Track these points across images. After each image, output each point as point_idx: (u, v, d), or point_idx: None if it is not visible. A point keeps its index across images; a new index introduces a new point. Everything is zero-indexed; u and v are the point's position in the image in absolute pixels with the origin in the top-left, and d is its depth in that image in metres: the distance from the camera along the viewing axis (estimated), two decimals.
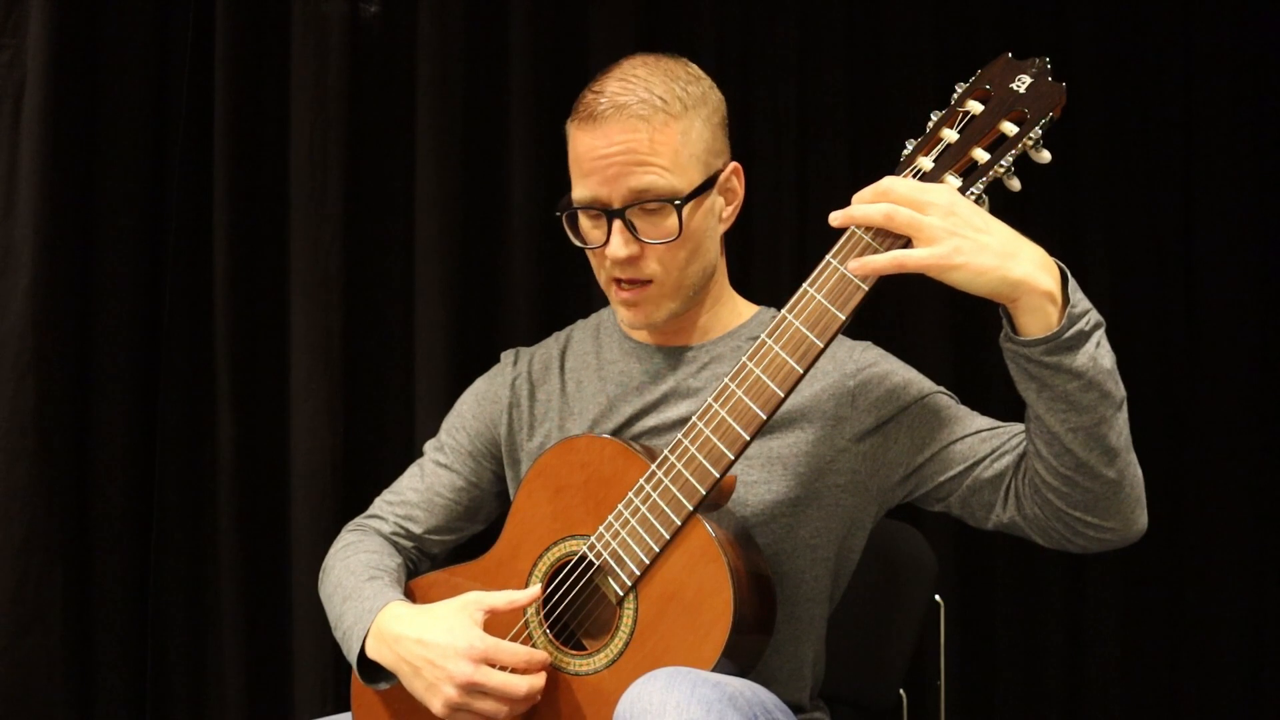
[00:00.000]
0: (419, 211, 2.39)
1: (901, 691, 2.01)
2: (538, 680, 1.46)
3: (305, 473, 2.36)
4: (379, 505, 1.80)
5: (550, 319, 2.16)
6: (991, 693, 2.56)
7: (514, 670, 1.45)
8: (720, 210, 1.63)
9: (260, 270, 2.40)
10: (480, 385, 1.80)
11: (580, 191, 1.57)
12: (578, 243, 1.64)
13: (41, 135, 2.27)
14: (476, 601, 1.49)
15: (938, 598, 2.05)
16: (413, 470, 1.80)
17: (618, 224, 1.54)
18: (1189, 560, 2.56)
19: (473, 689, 1.44)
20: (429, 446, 1.81)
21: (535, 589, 1.52)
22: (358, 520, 1.80)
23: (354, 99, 2.40)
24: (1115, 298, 2.52)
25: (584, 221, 1.61)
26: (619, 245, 1.54)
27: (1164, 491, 2.53)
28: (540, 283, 2.41)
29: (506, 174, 2.43)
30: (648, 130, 1.53)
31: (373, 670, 1.57)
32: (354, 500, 2.02)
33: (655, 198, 1.53)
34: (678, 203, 1.54)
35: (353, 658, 1.57)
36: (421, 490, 1.76)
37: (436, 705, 1.46)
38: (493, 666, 1.44)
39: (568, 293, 2.42)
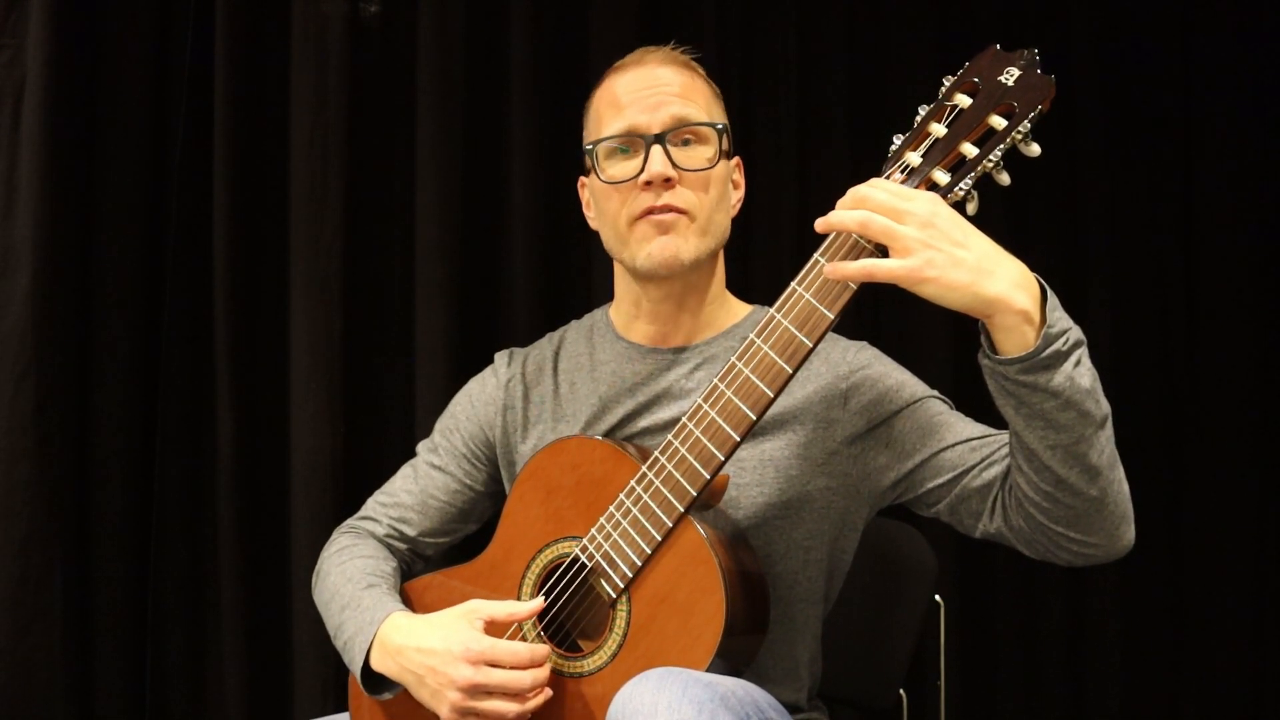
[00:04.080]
0: (419, 211, 2.39)
1: (901, 691, 2.01)
2: (541, 674, 1.45)
3: (305, 473, 2.36)
4: (372, 506, 1.79)
5: (550, 320, 2.15)
6: (991, 693, 2.55)
7: (515, 668, 1.45)
8: (729, 184, 1.66)
9: (260, 270, 2.41)
10: (474, 386, 1.79)
11: (614, 125, 1.60)
12: (594, 194, 1.65)
13: (41, 135, 2.27)
14: (476, 610, 1.49)
15: (938, 598, 2.05)
16: (406, 471, 1.80)
17: (656, 148, 1.55)
18: (1189, 560, 2.55)
19: (476, 691, 1.43)
20: (422, 447, 1.80)
21: (537, 602, 1.51)
22: (351, 521, 1.80)
23: (354, 99, 2.40)
24: (1115, 298, 2.52)
25: (610, 164, 1.61)
26: (658, 163, 1.55)
27: (1164, 491, 2.53)
28: (540, 283, 2.41)
29: (506, 174, 2.43)
30: (688, 75, 1.62)
31: (376, 680, 1.57)
32: (354, 500, 2.01)
33: (695, 123, 1.58)
34: (720, 126, 1.60)
35: (356, 669, 1.57)
36: (415, 492, 1.75)
37: (444, 711, 1.46)
38: (494, 667, 1.44)
39: (568, 293, 2.42)
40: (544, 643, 1.52)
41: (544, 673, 1.46)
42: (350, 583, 1.65)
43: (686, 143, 1.59)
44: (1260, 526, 2.56)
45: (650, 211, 1.56)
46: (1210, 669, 2.56)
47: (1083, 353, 1.33)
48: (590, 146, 1.63)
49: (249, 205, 2.39)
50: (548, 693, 1.46)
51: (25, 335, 2.25)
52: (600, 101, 1.65)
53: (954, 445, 1.51)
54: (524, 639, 1.53)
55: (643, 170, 1.56)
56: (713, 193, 1.59)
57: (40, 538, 2.26)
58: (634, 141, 1.58)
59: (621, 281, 1.70)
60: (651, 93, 1.58)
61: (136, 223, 2.39)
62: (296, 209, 2.38)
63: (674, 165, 1.55)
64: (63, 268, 2.29)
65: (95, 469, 2.35)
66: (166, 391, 2.40)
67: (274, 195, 2.41)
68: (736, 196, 1.68)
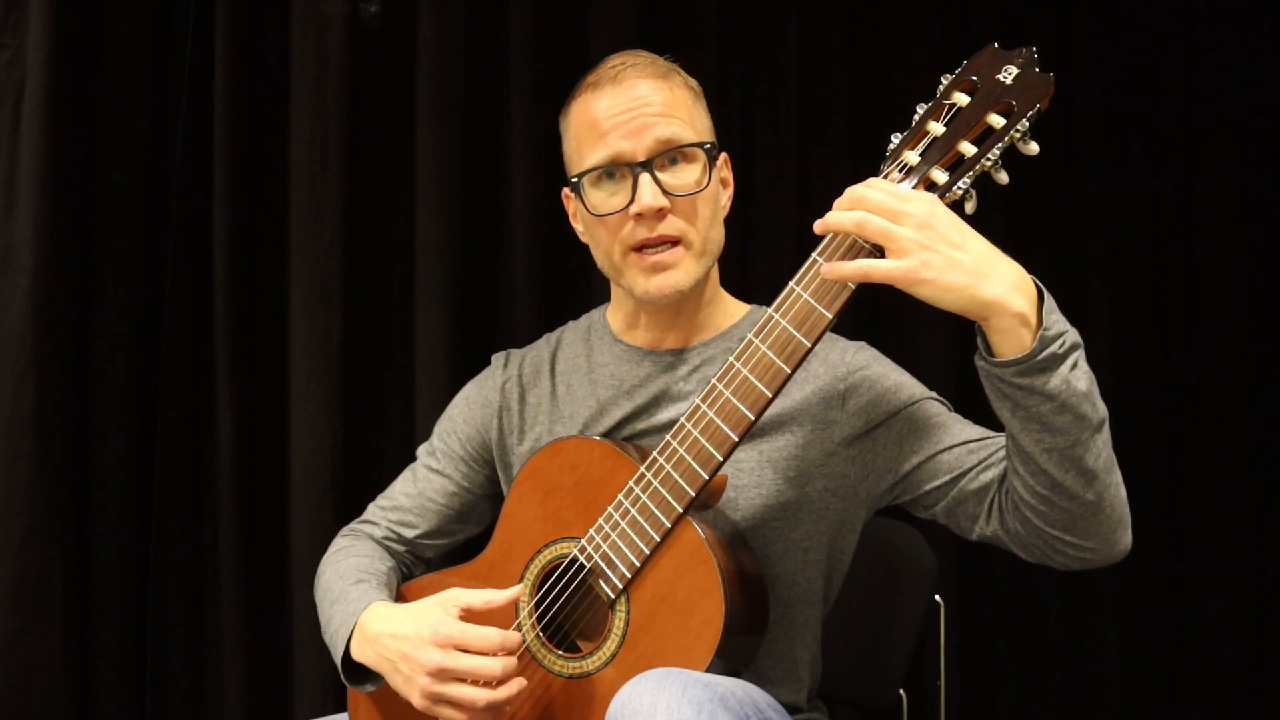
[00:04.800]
0: (419, 212, 2.39)
1: (901, 691, 2.01)
2: (512, 662, 1.44)
3: (305, 473, 2.35)
4: (372, 510, 1.80)
5: (550, 320, 2.16)
6: (992, 693, 2.55)
7: (484, 652, 1.43)
8: (720, 194, 1.63)
9: (260, 271, 2.41)
10: (471, 389, 1.79)
11: (598, 155, 1.55)
12: (583, 221, 1.62)
13: (41, 135, 2.27)
14: (453, 598, 1.48)
15: (938, 598, 2.05)
16: (405, 475, 1.80)
17: (645, 176, 1.52)
18: (1189, 561, 2.55)
19: (444, 675, 1.42)
20: (421, 450, 1.80)
21: (516, 589, 1.50)
22: (351, 525, 1.80)
23: (354, 99, 2.40)
24: (1115, 298, 2.52)
25: (597, 193, 1.57)
26: (649, 194, 1.51)
27: (1164, 491, 2.53)
28: (540, 283, 2.41)
29: (507, 175, 2.43)
30: (667, 87, 1.56)
31: (360, 672, 1.57)
32: (354, 501, 2.02)
33: (682, 145, 1.54)
34: (708, 146, 1.56)
35: (338, 658, 1.57)
36: (414, 495, 1.76)
37: (415, 697, 1.45)
38: (466, 652, 1.43)
39: (568, 294, 2.41)
40: (543, 642, 1.52)
41: (514, 661, 1.44)
42: (341, 579, 1.65)
43: (674, 161, 1.55)
44: (1260, 527, 2.56)
45: (645, 244, 1.55)
46: (1210, 670, 2.56)
47: (1079, 356, 1.32)
48: (576, 180, 1.59)
49: (249, 205, 2.39)
50: (521, 682, 1.45)
51: (25, 335, 2.25)
52: (579, 124, 1.59)
53: (952, 447, 1.51)
54: (523, 639, 1.53)
55: (632, 201, 1.53)
56: (705, 212, 1.56)
57: (40, 537, 2.25)
58: (620, 169, 1.55)
59: (618, 289, 1.69)
60: (633, 115, 1.53)
61: (136, 223, 2.39)
62: (296, 209, 2.38)
63: (664, 192, 1.52)
64: (63, 268, 2.29)
65: (95, 469, 2.35)
66: (166, 391, 2.40)
67: (274, 196, 2.40)
68: (727, 195, 1.66)
